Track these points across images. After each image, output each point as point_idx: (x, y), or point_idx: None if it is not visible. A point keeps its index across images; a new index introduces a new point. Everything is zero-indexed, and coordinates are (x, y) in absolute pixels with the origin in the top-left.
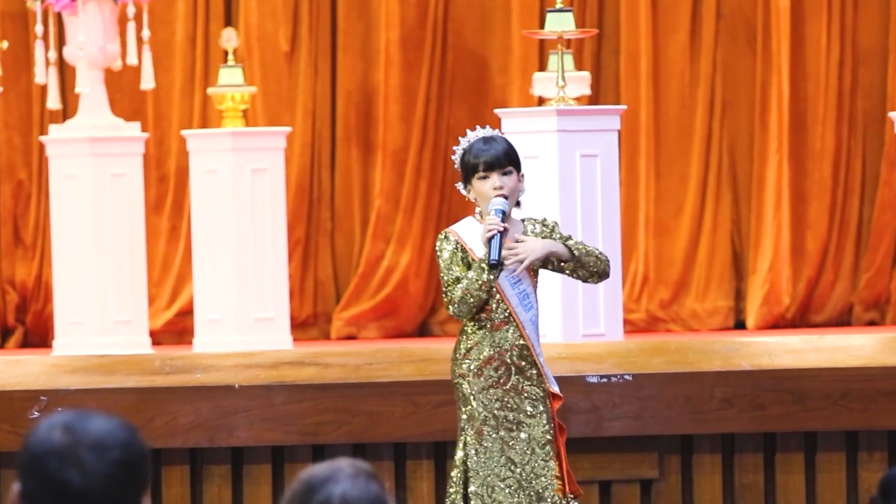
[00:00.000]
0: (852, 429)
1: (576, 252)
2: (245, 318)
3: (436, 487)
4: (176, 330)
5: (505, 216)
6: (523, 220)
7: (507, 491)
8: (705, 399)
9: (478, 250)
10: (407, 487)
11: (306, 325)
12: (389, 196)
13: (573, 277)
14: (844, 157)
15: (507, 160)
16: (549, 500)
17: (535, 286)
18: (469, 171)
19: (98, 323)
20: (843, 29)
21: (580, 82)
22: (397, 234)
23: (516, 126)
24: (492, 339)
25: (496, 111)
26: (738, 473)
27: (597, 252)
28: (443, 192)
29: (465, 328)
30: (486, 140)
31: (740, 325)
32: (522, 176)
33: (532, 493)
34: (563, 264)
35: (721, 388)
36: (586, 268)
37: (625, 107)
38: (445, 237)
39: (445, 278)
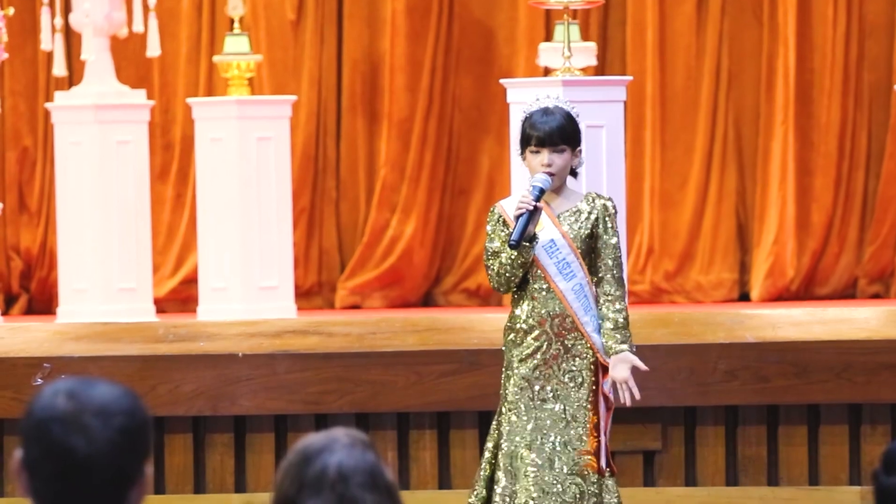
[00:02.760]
0: (855, 402)
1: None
2: (249, 287)
3: (438, 457)
4: (180, 298)
5: (542, 193)
6: (587, 195)
7: (533, 458)
8: (709, 371)
9: None
10: (410, 457)
11: (310, 294)
12: (395, 165)
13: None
14: (850, 130)
15: (561, 138)
16: (578, 474)
17: (579, 255)
18: (524, 142)
19: (102, 290)
20: (849, 1)
21: (586, 53)
22: (402, 204)
23: (521, 96)
24: (532, 308)
25: (502, 81)
26: (741, 445)
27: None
28: (448, 162)
29: (514, 297)
30: (546, 112)
31: (744, 297)
32: (579, 151)
33: (563, 466)
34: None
35: (725, 361)
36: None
37: (631, 78)
38: (492, 210)
39: (487, 252)
